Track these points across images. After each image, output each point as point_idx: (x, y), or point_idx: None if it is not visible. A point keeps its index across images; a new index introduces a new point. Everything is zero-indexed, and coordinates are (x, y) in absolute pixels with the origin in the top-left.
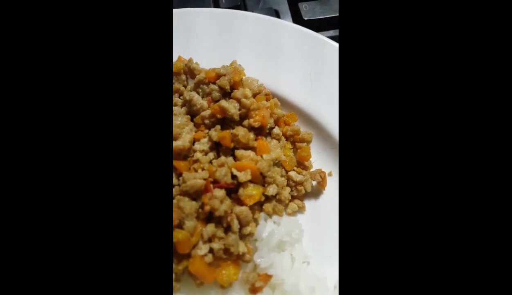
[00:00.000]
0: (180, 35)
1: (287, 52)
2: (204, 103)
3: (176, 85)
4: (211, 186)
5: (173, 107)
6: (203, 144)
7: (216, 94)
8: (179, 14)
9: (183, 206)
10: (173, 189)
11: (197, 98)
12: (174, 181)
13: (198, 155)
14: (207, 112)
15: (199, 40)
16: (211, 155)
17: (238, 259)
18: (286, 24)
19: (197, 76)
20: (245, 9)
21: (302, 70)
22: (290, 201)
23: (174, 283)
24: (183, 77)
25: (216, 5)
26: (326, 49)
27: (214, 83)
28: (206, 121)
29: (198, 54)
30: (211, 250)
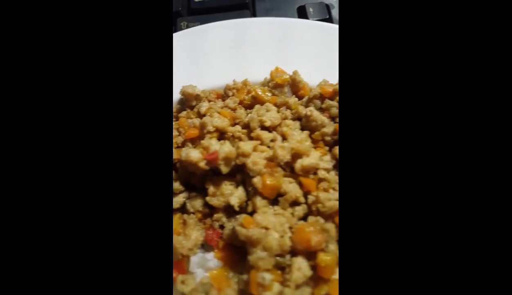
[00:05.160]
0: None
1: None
2: (325, 119)
3: (284, 98)
4: None
5: (288, 121)
6: (326, 162)
7: (335, 110)
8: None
9: (329, 228)
10: (301, 207)
11: (316, 114)
12: (301, 199)
13: (323, 173)
14: (329, 129)
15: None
16: (333, 173)
17: None
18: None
19: (312, 91)
20: (331, 22)
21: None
22: None
23: None
24: (285, 89)
25: (302, 15)
26: None
27: (330, 98)
28: (327, 138)
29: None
30: None
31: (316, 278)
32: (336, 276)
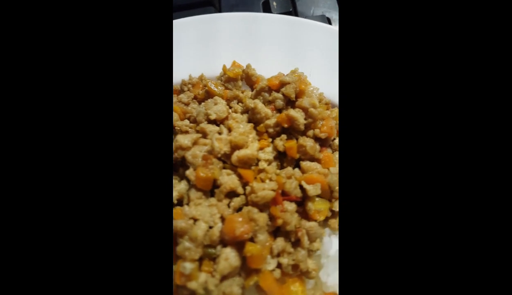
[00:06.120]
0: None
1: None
2: (269, 111)
3: (235, 91)
4: (281, 198)
5: (235, 114)
6: (267, 153)
7: (280, 102)
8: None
9: (257, 218)
10: (239, 198)
11: (261, 107)
12: (239, 190)
13: (263, 164)
14: (271, 121)
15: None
16: (275, 164)
17: (303, 275)
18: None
19: (260, 84)
20: (296, 15)
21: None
22: None
23: None
24: (240, 83)
25: (266, 10)
26: None
27: (277, 91)
28: (270, 130)
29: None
30: (279, 265)
31: (248, 269)
32: (267, 266)
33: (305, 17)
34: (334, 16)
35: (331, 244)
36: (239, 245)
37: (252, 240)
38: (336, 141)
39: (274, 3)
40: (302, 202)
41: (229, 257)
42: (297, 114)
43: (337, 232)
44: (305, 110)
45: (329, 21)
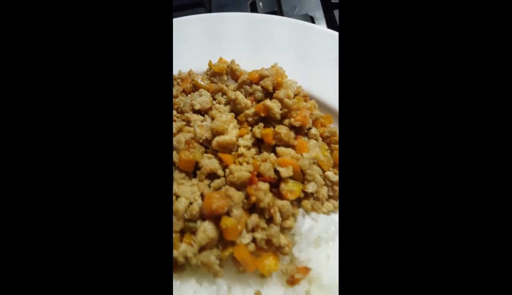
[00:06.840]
0: (214, 38)
1: (320, 56)
2: (248, 102)
3: (219, 85)
4: (256, 178)
5: (218, 105)
6: (246, 140)
7: (259, 94)
8: (215, 18)
9: (232, 195)
10: (219, 180)
11: (241, 98)
12: (220, 172)
13: (242, 150)
14: (250, 111)
15: (235, 43)
16: (253, 150)
17: (277, 251)
18: (320, 30)
19: (241, 77)
20: (281, 14)
21: (334, 72)
22: (326, 200)
23: (218, 268)
24: (225, 77)
25: (253, 10)
26: None
27: (257, 84)
28: (250, 119)
29: (234, 56)
30: (253, 240)
31: (225, 242)
32: (242, 240)
33: (290, 16)
34: (318, 15)
35: (303, 223)
36: (216, 219)
37: (228, 214)
38: (312, 130)
39: (260, 3)
40: (278, 184)
41: (206, 229)
42: (273, 105)
43: (310, 213)
44: (281, 101)
45: (312, 20)
